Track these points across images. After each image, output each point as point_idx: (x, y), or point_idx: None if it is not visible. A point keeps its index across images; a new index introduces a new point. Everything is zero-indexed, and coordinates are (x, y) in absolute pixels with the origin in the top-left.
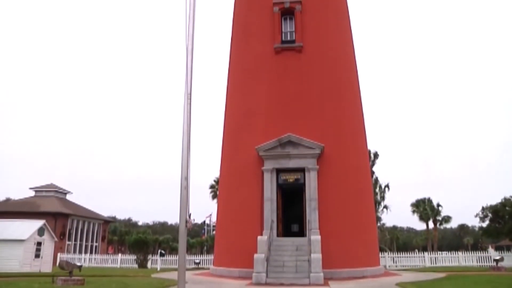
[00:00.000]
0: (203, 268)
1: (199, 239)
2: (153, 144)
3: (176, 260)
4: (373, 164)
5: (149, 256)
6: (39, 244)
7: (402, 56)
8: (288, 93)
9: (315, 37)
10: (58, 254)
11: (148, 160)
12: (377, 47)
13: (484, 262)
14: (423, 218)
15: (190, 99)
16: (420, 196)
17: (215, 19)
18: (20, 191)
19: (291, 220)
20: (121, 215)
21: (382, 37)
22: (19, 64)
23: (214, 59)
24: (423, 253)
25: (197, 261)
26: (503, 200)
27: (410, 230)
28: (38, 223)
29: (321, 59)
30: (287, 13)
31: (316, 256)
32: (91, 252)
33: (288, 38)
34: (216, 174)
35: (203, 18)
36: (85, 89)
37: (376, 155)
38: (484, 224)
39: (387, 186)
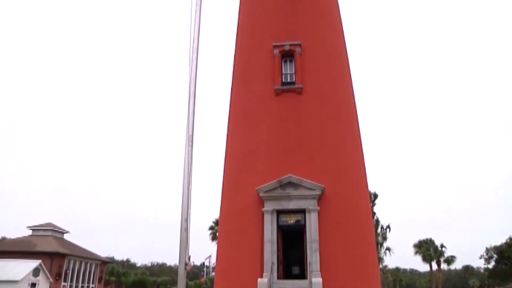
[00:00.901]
0: None
1: (197, 281)
2: (153, 184)
3: None
4: (373, 205)
5: None
6: (33, 285)
7: (400, 96)
8: (288, 134)
9: (315, 79)
10: None
11: (148, 200)
12: (376, 89)
13: None
14: (426, 259)
15: (192, 141)
16: (423, 236)
17: (216, 61)
18: (18, 230)
19: (292, 262)
20: (119, 256)
21: (380, 78)
22: (16, 97)
23: (215, 101)
24: None
25: None
26: (508, 240)
27: (413, 272)
28: (34, 263)
29: (321, 100)
30: (287, 55)
31: None
32: None
33: (288, 80)
34: (216, 215)
35: (206, 60)
36: (85, 127)
37: (375, 196)
38: (490, 266)
39: (388, 226)
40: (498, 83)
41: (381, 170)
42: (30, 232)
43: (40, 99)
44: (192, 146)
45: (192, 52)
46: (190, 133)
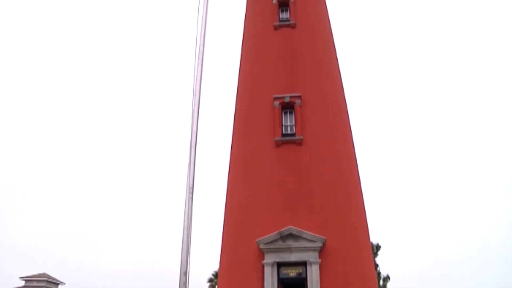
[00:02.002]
0: None
1: None
2: (151, 234)
3: None
4: (375, 256)
5: None
6: None
7: (402, 146)
8: (289, 185)
9: (315, 131)
10: None
11: (145, 251)
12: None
13: None
14: None
15: (192, 192)
16: (426, 286)
17: (217, 112)
18: (10, 280)
19: None
20: None
21: (380, 128)
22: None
23: (216, 152)
24: None
25: None
26: None
27: None
28: None
29: (321, 151)
30: (287, 107)
31: None
32: None
33: (289, 132)
34: (215, 267)
35: (207, 112)
36: (83, 173)
37: (378, 247)
38: None
39: (388, 277)
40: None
41: (383, 221)
42: (23, 283)
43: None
44: (192, 197)
45: (194, 104)
46: (191, 184)
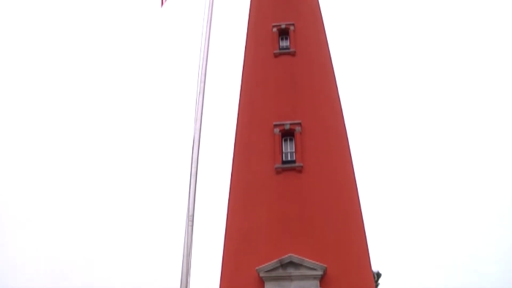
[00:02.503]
0: None
1: None
2: (151, 263)
3: None
4: (377, 285)
5: None
6: None
7: (400, 174)
8: (289, 212)
9: (315, 157)
10: None
11: (144, 280)
12: (377, 164)
13: None
14: None
15: (192, 220)
16: None
17: (217, 140)
18: None
19: None
20: None
21: (380, 153)
22: None
23: (216, 180)
24: None
25: None
26: None
27: None
28: None
29: (321, 179)
30: (288, 134)
31: None
32: None
33: (289, 159)
34: None
35: (207, 139)
36: (81, 200)
37: (378, 275)
38: None
39: None
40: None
41: (384, 248)
42: None
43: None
44: (192, 226)
45: (195, 132)
46: (191, 212)
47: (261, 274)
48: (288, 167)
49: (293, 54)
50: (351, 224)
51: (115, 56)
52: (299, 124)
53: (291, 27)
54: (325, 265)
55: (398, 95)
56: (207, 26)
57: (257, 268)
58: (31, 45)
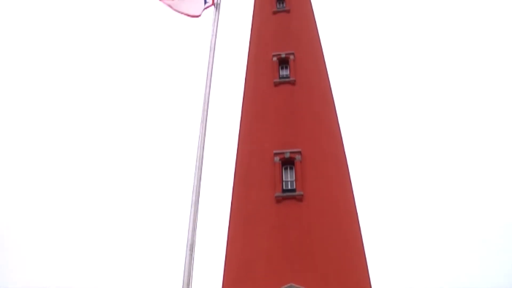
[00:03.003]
0: None
1: None
2: None
3: None
4: None
5: None
6: None
7: (401, 201)
8: (289, 241)
9: (316, 186)
10: None
11: None
12: (377, 192)
13: None
14: None
15: (192, 249)
16: None
17: (217, 169)
18: None
19: None
20: None
21: (380, 182)
22: None
23: (216, 208)
24: None
25: None
26: None
27: None
28: None
29: (322, 207)
30: (288, 162)
31: None
32: None
33: (289, 187)
34: None
35: (208, 168)
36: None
37: None
38: None
39: None
40: None
41: (386, 277)
42: None
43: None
44: (192, 255)
45: (196, 161)
46: (191, 241)
47: None
48: (289, 195)
49: (293, 83)
50: (352, 253)
51: (118, 89)
52: (299, 152)
53: (291, 56)
54: None
55: (397, 124)
56: (210, 55)
57: None
58: (34, 48)
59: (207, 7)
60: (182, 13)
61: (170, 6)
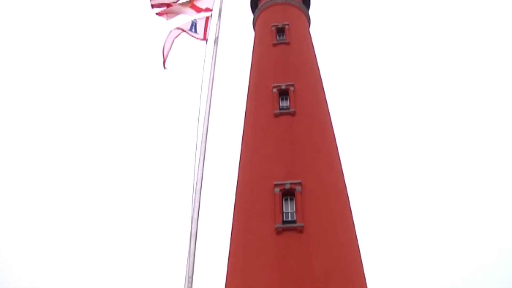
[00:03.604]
0: None
1: None
2: None
3: None
4: None
5: None
6: None
7: (403, 230)
8: (290, 274)
9: (316, 217)
10: None
11: None
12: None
13: None
14: None
15: (191, 282)
16: None
17: (217, 201)
18: None
19: None
20: None
21: (381, 213)
22: None
23: (215, 240)
24: None
25: None
26: None
27: None
28: None
29: (323, 239)
30: (288, 194)
31: None
32: None
33: (289, 218)
34: None
35: (208, 200)
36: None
37: None
38: None
39: None
40: None
41: None
42: None
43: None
44: (191, 287)
45: (195, 193)
46: (190, 273)
47: None
48: (289, 227)
49: (293, 114)
50: (354, 286)
51: (113, 130)
52: (300, 183)
53: (291, 88)
54: None
55: (397, 154)
56: (208, 88)
57: None
58: (39, 54)
59: (197, 38)
60: (173, 23)
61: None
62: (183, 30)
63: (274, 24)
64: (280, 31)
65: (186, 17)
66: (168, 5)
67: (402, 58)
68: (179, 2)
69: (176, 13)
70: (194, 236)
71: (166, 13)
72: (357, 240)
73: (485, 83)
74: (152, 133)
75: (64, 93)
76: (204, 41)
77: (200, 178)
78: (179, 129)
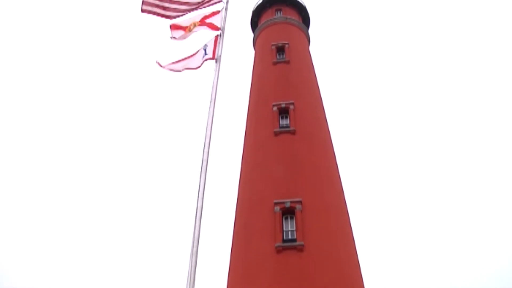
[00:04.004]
0: None
1: None
2: None
3: None
4: None
5: None
6: None
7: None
8: None
9: (317, 236)
10: None
11: None
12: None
13: None
14: None
15: None
16: None
17: (217, 220)
18: None
19: None
20: None
21: (381, 231)
22: None
23: (215, 259)
24: None
25: None
26: None
27: None
28: None
29: (323, 257)
30: (288, 212)
31: None
32: None
33: (289, 237)
34: None
35: (208, 219)
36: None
37: None
38: None
39: None
40: None
41: None
42: None
43: None
44: None
45: (197, 211)
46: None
47: None
48: (289, 245)
49: (293, 132)
50: None
51: (117, 147)
52: (300, 202)
53: (291, 106)
54: None
55: (397, 171)
56: (210, 106)
57: None
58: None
59: (207, 59)
60: (184, 70)
61: (172, 70)
62: (195, 56)
63: (274, 43)
64: (280, 50)
65: (197, 36)
66: (184, 28)
67: (401, 76)
68: (191, 19)
69: (189, 35)
70: (194, 255)
71: (182, 37)
72: (357, 257)
73: (484, 84)
74: (155, 153)
75: (75, 98)
76: (214, 60)
77: (202, 196)
78: (180, 148)
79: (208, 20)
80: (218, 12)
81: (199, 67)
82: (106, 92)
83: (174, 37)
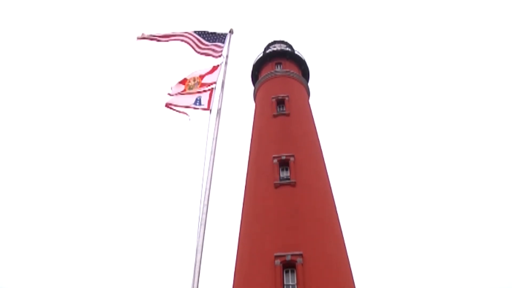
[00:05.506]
0: None
1: None
2: None
3: None
4: None
5: None
6: None
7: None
8: None
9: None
10: None
11: None
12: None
13: None
14: None
15: None
16: None
17: (216, 271)
18: None
19: None
20: None
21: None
22: None
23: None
24: None
25: None
26: None
27: None
28: None
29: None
30: (289, 265)
31: None
32: None
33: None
34: None
35: (207, 271)
36: None
37: None
38: None
39: None
40: None
41: None
42: None
43: None
44: None
45: (195, 264)
46: None
47: None
48: None
49: (293, 184)
50: None
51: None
52: (301, 255)
53: (291, 158)
54: None
55: (397, 219)
56: (210, 158)
57: None
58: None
59: (201, 109)
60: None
61: (171, 104)
62: (188, 106)
63: (274, 96)
64: (280, 102)
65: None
66: (180, 93)
67: (401, 122)
68: (190, 87)
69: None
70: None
71: (176, 105)
72: (350, 267)
73: (483, 85)
74: (154, 205)
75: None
76: (208, 111)
77: (201, 249)
78: (179, 201)
79: (203, 81)
80: (217, 66)
81: (188, 107)
82: (108, 138)
83: (169, 94)
